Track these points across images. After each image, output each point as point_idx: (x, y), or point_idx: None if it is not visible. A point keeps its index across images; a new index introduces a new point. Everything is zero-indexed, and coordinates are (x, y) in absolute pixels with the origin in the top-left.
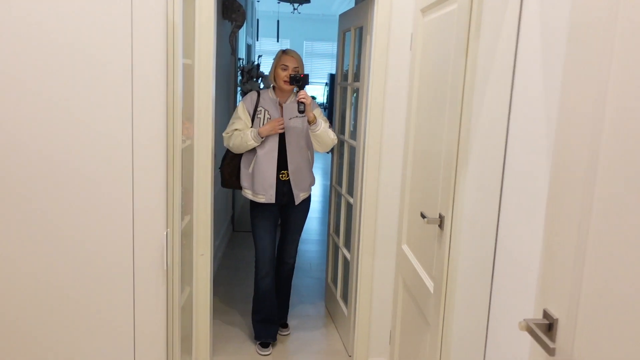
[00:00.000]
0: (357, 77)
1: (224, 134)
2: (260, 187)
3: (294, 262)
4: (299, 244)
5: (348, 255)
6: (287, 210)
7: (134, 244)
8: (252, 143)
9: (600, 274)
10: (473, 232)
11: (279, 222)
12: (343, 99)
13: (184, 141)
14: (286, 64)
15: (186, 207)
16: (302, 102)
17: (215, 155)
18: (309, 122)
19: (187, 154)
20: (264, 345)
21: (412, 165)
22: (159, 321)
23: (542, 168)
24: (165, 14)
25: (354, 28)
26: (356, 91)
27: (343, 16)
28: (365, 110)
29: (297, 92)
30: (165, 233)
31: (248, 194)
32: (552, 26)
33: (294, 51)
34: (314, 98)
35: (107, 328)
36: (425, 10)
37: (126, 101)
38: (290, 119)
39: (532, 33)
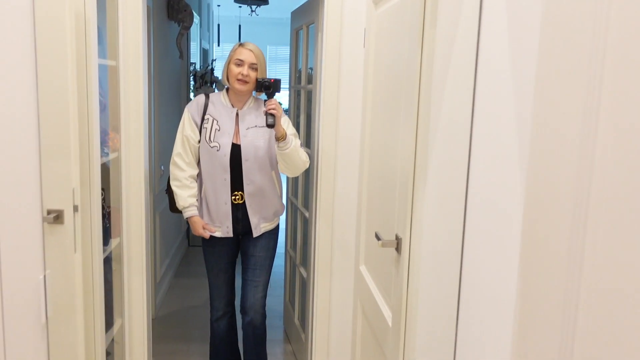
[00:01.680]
0: (310, 80)
1: (173, 158)
2: (214, 217)
3: (262, 316)
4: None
5: (304, 274)
6: (246, 243)
7: (2, 293)
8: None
9: (597, 330)
10: (434, 257)
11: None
12: (297, 103)
13: (106, 154)
14: (241, 58)
15: (114, 229)
16: (271, 114)
17: (162, 170)
18: (277, 139)
19: (114, 168)
20: None
21: (368, 177)
22: None
23: (514, 182)
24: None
25: (305, 25)
26: (310, 94)
27: (295, 13)
28: (318, 114)
29: (266, 100)
30: (42, 277)
31: None
32: (521, 4)
33: (253, 44)
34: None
35: None
36: (377, 1)
37: None
38: (248, 129)
39: (497, 14)
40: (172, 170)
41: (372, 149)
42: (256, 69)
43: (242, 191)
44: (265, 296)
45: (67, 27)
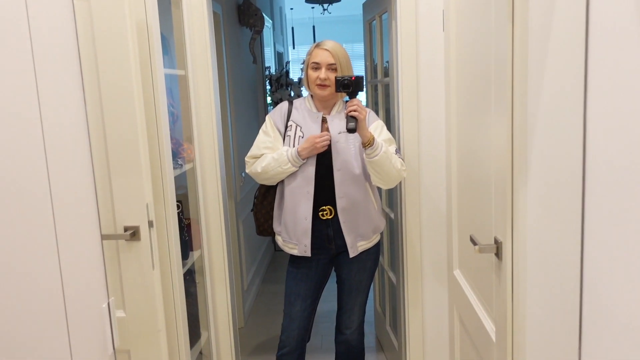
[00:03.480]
0: (387, 73)
1: (246, 159)
2: (292, 233)
3: (359, 335)
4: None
5: (394, 278)
6: (341, 265)
7: (68, 327)
8: (289, 167)
9: None
10: (544, 263)
11: (335, 279)
12: (374, 99)
13: (180, 165)
14: (317, 60)
15: (195, 241)
16: (352, 117)
17: (242, 180)
18: (363, 145)
19: (190, 179)
20: None
21: (457, 174)
22: None
23: None
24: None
25: (378, 16)
26: (387, 88)
27: (366, 4)
28: (397, 108)
29: (347, 101)
30: (105, 305)
31: (279, 241)
32: None
33: (332, 42)
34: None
35: None
36: None
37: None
38: (340, 133)
39: None
40: (251, 167)
41: (460, 142)
42: (336, 69)
43: (332, 205)
44: (363, 315)
45: (129, 38)
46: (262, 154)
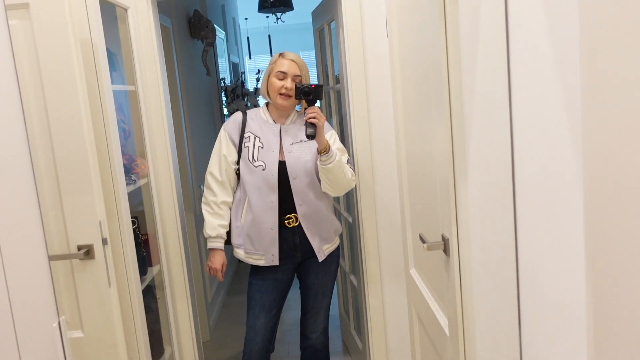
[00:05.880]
0: (338, 80)
1: (207, 175)
2: (257, 244)
3: (325, 339)
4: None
5: (355, 281)
6: (306, 271)
7: (18, 348)
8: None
9: None
10: (486, 258)
11: (298, 285)
12: (328, 106)
13: (134, 181)
14: (283, 70)
15: (153, 256)
16: (311, 123)
17: (201, 192)
18: (319, 152)
19: (146, 194)
20: None
21: (407, 176)
22: None
23: (567, 162)
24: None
25: (326, 24)
26: (339, 94)
27: (315, 13)
28: (349, 117)
29: (306, 108)
30: (56, 324)
31: (240, 254)
32: None
33: (294, 54)
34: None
35: None
36: None
37: None
38: (293, 144)
39: None
40: (205, 192)
41: (408, 145)
42: (301, 81)
43: (295, 212)
44: (327, 319)
45: (74, 56)
46: (215, 179)
